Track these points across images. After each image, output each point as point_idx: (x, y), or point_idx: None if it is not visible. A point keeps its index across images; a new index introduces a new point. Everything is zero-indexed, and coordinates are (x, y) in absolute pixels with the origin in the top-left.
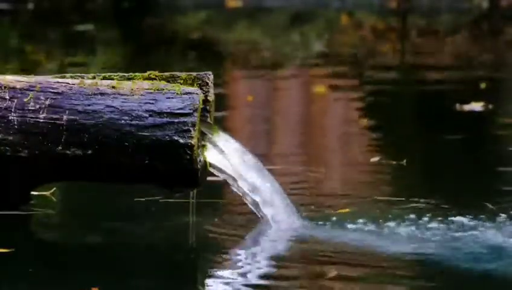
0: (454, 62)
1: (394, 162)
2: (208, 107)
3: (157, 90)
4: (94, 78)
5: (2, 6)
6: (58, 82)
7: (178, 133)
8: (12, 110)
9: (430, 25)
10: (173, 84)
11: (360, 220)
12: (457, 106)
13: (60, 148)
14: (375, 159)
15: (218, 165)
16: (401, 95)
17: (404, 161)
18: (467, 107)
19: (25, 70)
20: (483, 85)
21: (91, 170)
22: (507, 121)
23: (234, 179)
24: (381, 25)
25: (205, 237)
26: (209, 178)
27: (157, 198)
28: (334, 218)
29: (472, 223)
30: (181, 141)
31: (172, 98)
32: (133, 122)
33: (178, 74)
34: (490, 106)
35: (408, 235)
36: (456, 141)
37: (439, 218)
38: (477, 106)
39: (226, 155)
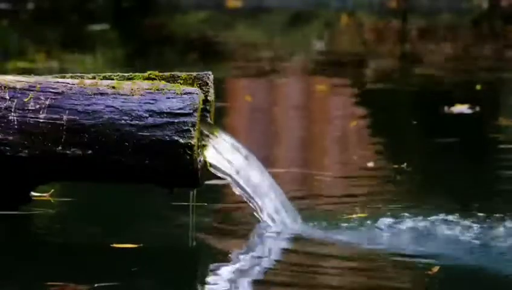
0: (452, 63)
1: (396, 166)
2: (208, 107)
3: (157, 90)
4: (94, 78)
5: (2, 6)
6: (58, 82)
7: (178, 133)
8: (12, 110)
9: (430, 25)
10: (173, 84)
11: (363, 222)
12: (446, 108)
13: (60, 148)
14: (371, 164)
15: (218, 165)
16: (398, 96)
17: (404, 164)
18: (456, 110)
19: (26, 70)
20: (478, 87)
21: (91, 170)
22: (494, 122)
23: (234, 179)
24: (381, 25)
25: (205, 237)
26: (209, 179)
27: (157, 198)
28: (335, 219)
29: (477, 224)
30: (181, 141)
31: (172, 98)
32: (133, 122)
33: (178, 73)
34: (477, 108)
35: (412, 237)
36: (451, 143)
37: (446, 221)
38: (464, 108)
39: (226, 155)
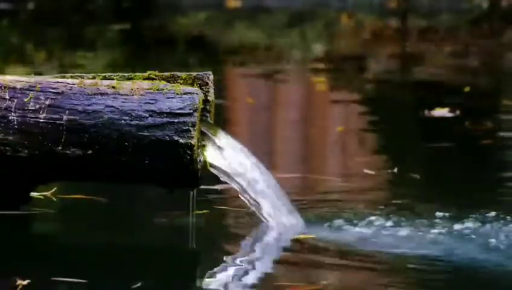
0: (450, 64)
1: (390, 171)
2: (208, 107)
3: (157, 90)
4: (94, 78)
5: (2, 6)
6: (58, 82)
7: (178, 133)
8: (12, 110)
9: (429, 25)
10: (173, 84)
11: (363, 223)
12: (426, 112)
13: (60, 148)
14: (364, 168)
15: (218, 165)
16: (394, 98)
17: (395, 169)
18: (436, 113)
19: (26, 70)
20: (467, 89)
21: (91, 170)
22: (477, 126)
23: (234, 179)
24: (381, 25)
25: (205, 238)
26: (210, 180)
27: (158, 197)
28: (334, 220)
29: (474, 226)
30: (181, 141)
31: (173, 98)
32: (133, 122)
33: (178, 74)
34: (458, 112)
35: (411, 238)
36: (440, 148)
37: (445, 223)
38: (445, 112)
39: (226, 155)
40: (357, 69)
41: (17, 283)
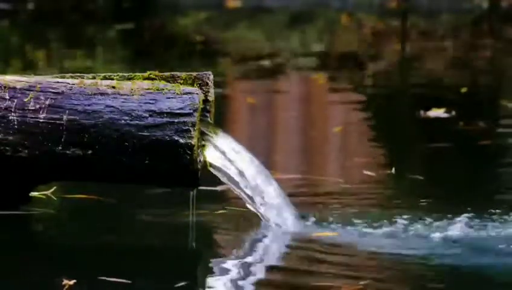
0: (449, 64)
1: (388, 171)
2: (208, 107)
3: (157, 90)
4: (94, 78)
5: (2, 6)
6: (58, 82)
7: (178, 133)
8: (12, 110)
9: (429, 25)
10: (173, 84)
11: (363, 223)
12: (422, 112)
13: (60, 148)
14: (367, 171)
15: (218, 165)
16: (391, 99)
17: (393, 169)
18: (432, 114)
19: (27, 70)
20: (464, 90)
21: (91, 170)
22: (472, 127)
23: (234, 179)
24: (381, 25)
25: (205, 237)
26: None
27: (157, 198)
28: (333, 219)
29: (474, 226)
30: (181, 141)
31: (173, 98)
32: (133, 122)
33: (178, 74)
34: (453, 112)
35: (410, 238)
36: (437, 148)
37: (445, 223)
38: (441, 113)
39: (226, 155)
40: (356, 69)
41: (64, 283)
